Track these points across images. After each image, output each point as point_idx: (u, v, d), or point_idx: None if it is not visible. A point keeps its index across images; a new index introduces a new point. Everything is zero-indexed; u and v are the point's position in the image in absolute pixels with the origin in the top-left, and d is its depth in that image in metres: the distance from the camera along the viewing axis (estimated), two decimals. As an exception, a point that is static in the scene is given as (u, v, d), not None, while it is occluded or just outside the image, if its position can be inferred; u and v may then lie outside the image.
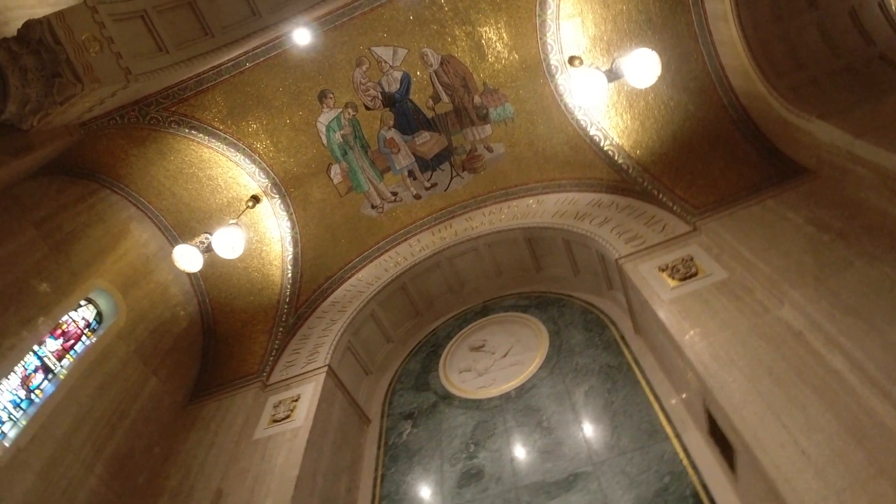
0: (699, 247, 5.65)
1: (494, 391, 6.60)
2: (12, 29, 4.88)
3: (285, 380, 6.88)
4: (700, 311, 4.91)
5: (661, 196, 6.53)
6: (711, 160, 6.31)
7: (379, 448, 6.62)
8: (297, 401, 6.37)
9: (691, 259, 5.51)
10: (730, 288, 5.01)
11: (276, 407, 6.44)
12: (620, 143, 6.95)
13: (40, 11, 4.88)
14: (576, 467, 5.30)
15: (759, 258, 4.99)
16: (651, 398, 5.58)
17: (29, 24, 4.67)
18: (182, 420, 7.03)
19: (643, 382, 5.79)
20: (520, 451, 5.74)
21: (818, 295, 4.39)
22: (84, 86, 4.96)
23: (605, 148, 7.10)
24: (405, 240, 8.71)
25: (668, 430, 5.19)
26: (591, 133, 7.18)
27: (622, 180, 7.10)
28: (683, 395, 5.23)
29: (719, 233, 5.59)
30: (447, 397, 6.86)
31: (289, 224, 8.04)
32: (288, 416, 6.18)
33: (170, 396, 7.17)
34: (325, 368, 6.68)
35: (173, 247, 6.54)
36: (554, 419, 5.90)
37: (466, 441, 6.14)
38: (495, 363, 7.09)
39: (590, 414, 5.78)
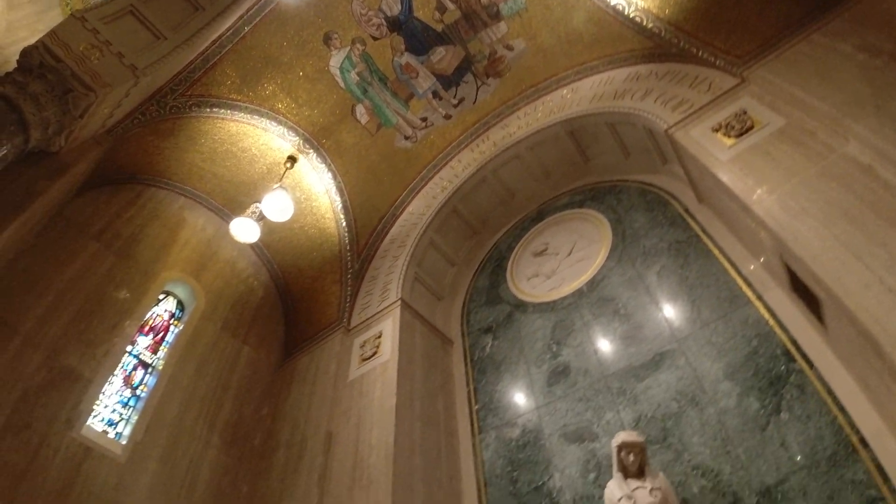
0: (750, 97, 5.30)
1: (566, 290, 6.66)
2: (13, 64, 5.00)
3: (365, 321, 7.25)
4: (763, 165, 4.68)
5: (700, 53, 6.08)
6: (746, 4, 5.81)
7: (466, 365, 6.92)
8: (379, 337, 6.73)
9: (744, 112, 5.19)
10: (790, 134, 4.72)
11: (362, 347, 6.88)
12: (646, 7, 6.44)
13: (33, 39, 5.00)
14: (660, 347, 5.36)
15: (815, 97, 4.67)
16: (726, 265, 5.47)
17: (26, 52, 4.78)
18: (280, 379, 7.65)
19: (715, 251, 5.66)
20: (602, 342, 5.85)
21: (881, 123, 4.11)
22: (97, 93, 5.09)
23: (632, 15, 6.60)
24: (445, 163, 8.67)
25: (749, 293, 5.11)
26: (612, 3, 6.72)
27: (656, 46, 6.62)
28: (760, 257, 5.12)
29: (769, 79, 5.22)
30: (521, 305, 6.99)
31: (329, 175, 8.16)
32: (375, 353, 6.58)
33: (264, 360, 7.79)
34: (399, 302, 6.95)
35: (229, 224, 6.88)
36: (630, 305, 5.93)
37: (548, 342, 6.31)
38: (561, 263, 7.12)
39: (665, 293, 5.76)
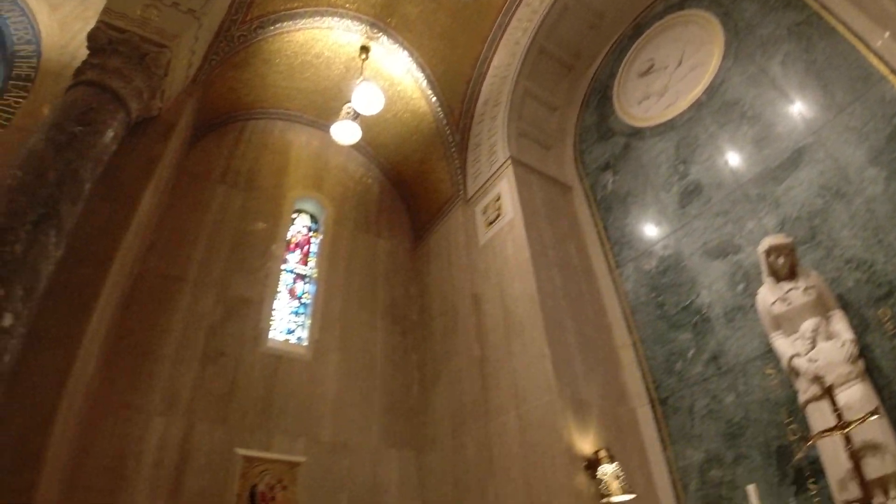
0: None
1: (683, 104, 6.21)
2: (80, 57, 5.30)
3: (480, 187, 7.43)
4: None
5: None
6: None
7: (590, 206, 6.93)
8: (499, 200, 6.90)
9: None
10: None
11: (484, 213, 7.12)
12: None
13: (89, 27, 5.27)
14: (796, 143, 4.97)
15: None
16: (853, 41, 4.74)
17: (91, 36, 5.03)
18: (418, 259, 8.28)
19: (840, 28, 4.89)
20: (732, 151, 5.52)
21: None
22: (169, 47, 5.31)
23: None
24: (519, 2, 8.15)
25: (882, 68, 4.48)
26: None
27: None
28: (887, 29, 4.45)
29: None
30: (636, 133, 6.69)
31: (405, 53, 8.02)
32: (498, 215, 6.79)
33: (399, 247, 8.43)
34: (509, 161, 6.97)
35: (329, 132, 7.23)
36: (757, 104, 5.43)
37: (673, 164, 6.07)
38: (672, 77, 6.56)
39: (793, 82, 5.17)
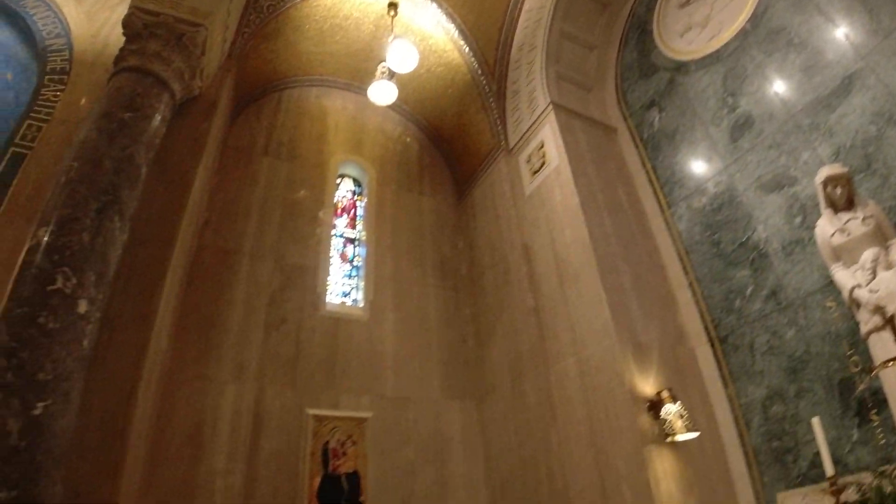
0: None
1: (727, 34, 5.90)
2: (113, 46, 5.39)
3: (522, 136, 7.32)
4: None
5: None
6: None
7: (637, 147, 6.74)
8: (542, 147, 6.79)
9: None
10: None
11: (528, 162, 7.04)
12: None
13: (117, 16, 5.30)
14: (845, 69, 4.71)
15: None
16: None
17: (126, 23, 5.06)
18: (463, 214, 8.31)
19: None
20: (781, 80, 5.24)
21: None
22: (204, 25, 5.33)
23: None
24: (546, -63, 7.84)
25: None
26: None
27: None
28: None
29: None
30: (680, 67, 6.41)
31: (434, 5, 7.82)
32: (543, 163, 6.70)
33: (443, 203, 8.45)
34: (550, 107, 6.82)
35: (364, 95, 7.23)
36: (803, 31, 5.12)
37: (721, 97, 5.82)
38: (713, 6, 6.19)
39: (837, 7, 4.86)
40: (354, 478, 5.70)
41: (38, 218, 4.14)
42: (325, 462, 5.64)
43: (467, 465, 6.49)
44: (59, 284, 3.74)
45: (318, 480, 5.54)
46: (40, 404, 3.39)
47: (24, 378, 3.38)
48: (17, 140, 6.25)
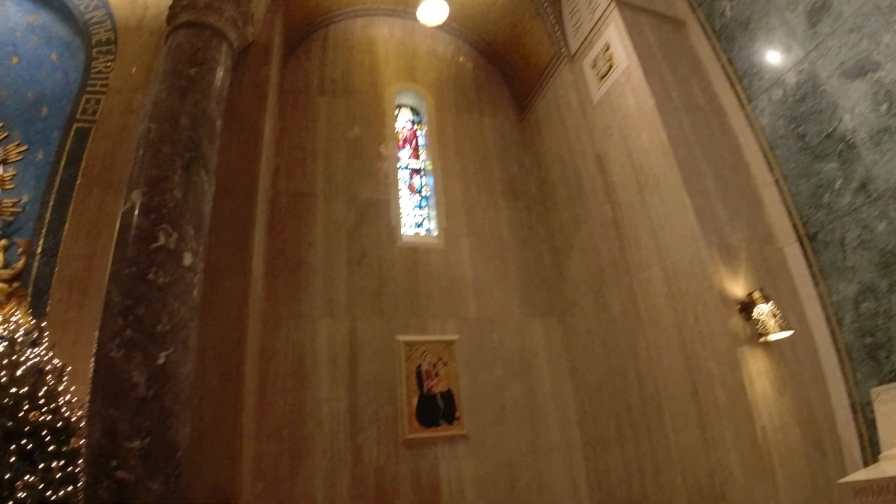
0: None
1: None
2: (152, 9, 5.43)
3: (584, 40, 6.97)
4: None
5: None
6: None
7: (709, 40, 6.29)
8: (608, 50, 6.48)
9: None
10: None
11: (594, 67, 6.74)
12: None
13: None
14: None
15: None
16: None
17: None
18: (527, 130, 8.14)
19: None
20: None
21: None
22: None
23: None
24: None
25: None
26: None
27: None
28: None
29: None
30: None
31: None
32: (610, 67, 6.41)
33: (505, 122, 8.31)
34: (612, 3, 6.44)
35: (410, 21, 7.04)
36: None
37: (797, -23, 5.34)
38: None
39: None
40: (448, 396, 6.07)
41: (127, 182, 4.38)
42: (420, 383, 6.03)
43: (553, 379, 6.74)
44: (162, 241, 3.98)
45: (415, 400, 5.94)
46: (162, 354, 3.71)
47: (144, 332, 3.69)
48: (78, 115, 6.57)
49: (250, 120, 5.58)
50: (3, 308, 4.97)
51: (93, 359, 3.68)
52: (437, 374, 6.11)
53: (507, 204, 7.58)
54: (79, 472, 3.69)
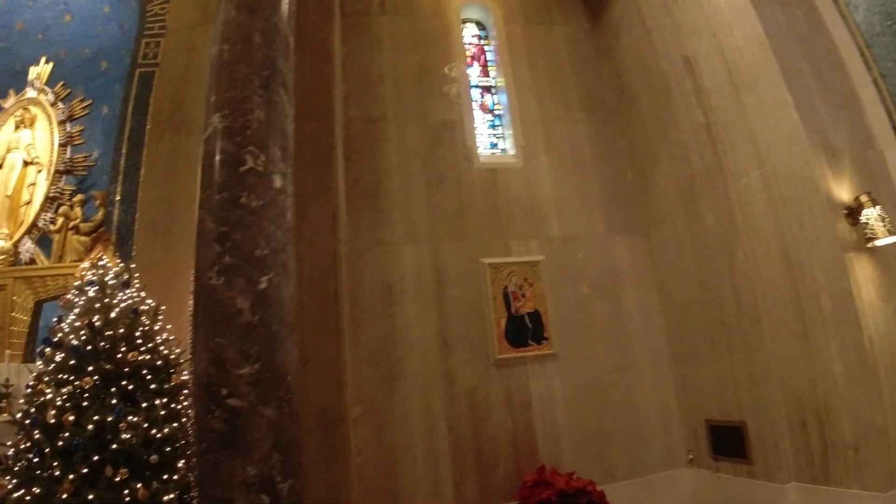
0: None
1: None
2: None
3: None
4: None
5: None
6: None
7: None
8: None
9: None
10: None
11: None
12: None
13: None
14: None
15: None
16: None
17: None
18: (603, 37, 7.88)
19: None
20: None
21: None
22: None
23: None
24: None
25: None
26: None
27: None
28: None
29: None
30: None
31: None
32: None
33: (578, 29, 8.05)
34: None
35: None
36: None
37: None
38: None
39: None
40: (536, 316, 6.30)
41: (205, 108, 4.32)
42: (508, 304, 6.28)
43: (640, 296, 6.82)
44: (250, 164, 3.96)
45: (503, 322, 6.19)
46: (264, 278, 3.73)
47: (242, 257, 3.72)
48: (139, 61, 6.80)
49: (319, 41, 5.55)
50: (91, 254, 5.07)
51: (191, 289, 3.80)
52: (523, 295, 6.35)
53: (584, 117, 7.45)
54: (181, 408, 3.88)
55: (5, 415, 6.48)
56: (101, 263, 4.34)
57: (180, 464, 3.70)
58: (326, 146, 5.17)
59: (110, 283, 4.16)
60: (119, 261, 4.77)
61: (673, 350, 6.70)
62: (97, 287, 4.10)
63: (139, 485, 3.36)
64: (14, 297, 7.37)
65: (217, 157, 4.00)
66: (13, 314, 7.37)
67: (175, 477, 3.60)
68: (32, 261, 7.60)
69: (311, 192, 4.89)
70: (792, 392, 5.15)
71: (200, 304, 3.74)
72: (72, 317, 4.00)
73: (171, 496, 3.48)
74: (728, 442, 5.83)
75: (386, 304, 6.11)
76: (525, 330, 6.26)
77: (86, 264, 4.52)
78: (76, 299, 4.11)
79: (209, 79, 4.45)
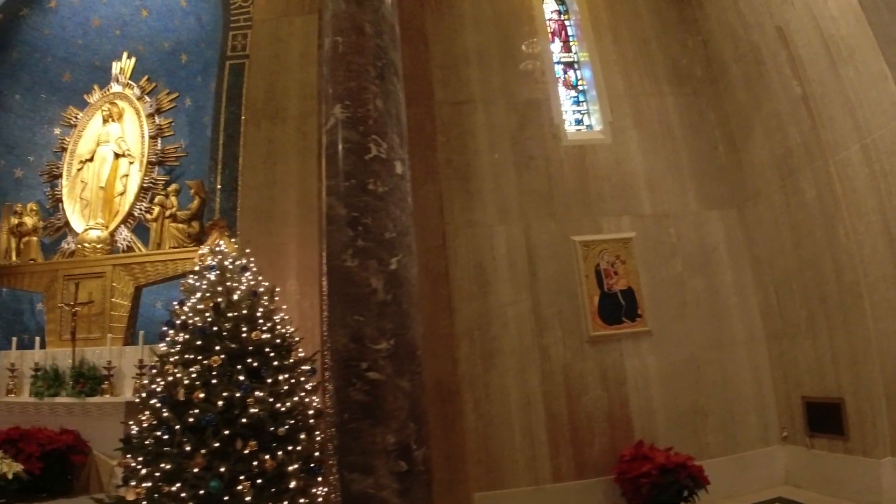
0: None
1: None
2: None
3: None
4: None
5: None
6: None
7: None
8: None
9: None
10: None
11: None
12: None
13: None
14: None
15: None
16: None
17: None
18: (688, 6, 8.12)
19: None
20: None
21: None
22: None
23: None
24: None
25: None
26: None
27: None
28: None
29: None
30: None
31: None
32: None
33: (662, -4, 8.10)
34: None
35: None
36: None
37: None
38: None
39: None
40: (629, 294, 6.70)
41: (325, 97, 4.86)
42: (600, 282, 6.71)
43: (735, 272, 7.08)
44: (374, 152, 4.50)
45: (596, 299, 6.60)
46: (394, 260, 4.30)
47: (374, 240, 4.28)
48: (228, 53, 7.37)
49: (415, 25, 5.93)
50: (209, 240, 5.51)
51: (325, 270, 4.38)
52: (616, 273, 6.83)
53: (672, 90, 7.67)
54: (296, 383, 4.27)
55: (107, 395, 7.50)
56: (217, 249, 4.76)
57: (302, 435, 4.03)
58: (430, 130, 5.67)
59: (230, 266, 4.55)
60: (236, 245, 5.27)
61: (768, 327, 6.97)
62: (217, 272, 4.46)
63: (267, 456, 3.68)
64: (114, 284, 8.30)
65: (340, 147, 4.50)
66: (113, 299, 8.37)
67: (298, 448, 3.93)
68: (130, 248, 8.35)
69: (420, 176, 5.33)
70: (892, 370, 5.37)
71: (335, 285, 4.26)
72: (193, 300, 4.36)
73: (295, 466, 3.84)
74: (824, 419, 6.11)
75: (479, 283, 6.60)
76: (618, 307, 6.69)
77: (205, 250, 4.98)
78: (197, 283, 4.47)
79: (325, 70, 4.92)
